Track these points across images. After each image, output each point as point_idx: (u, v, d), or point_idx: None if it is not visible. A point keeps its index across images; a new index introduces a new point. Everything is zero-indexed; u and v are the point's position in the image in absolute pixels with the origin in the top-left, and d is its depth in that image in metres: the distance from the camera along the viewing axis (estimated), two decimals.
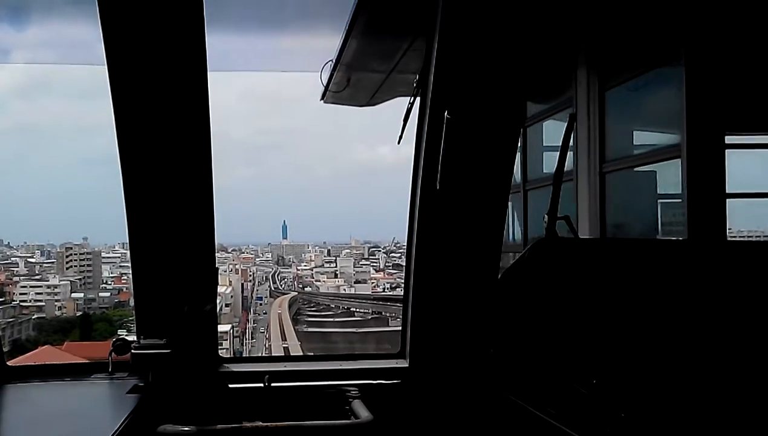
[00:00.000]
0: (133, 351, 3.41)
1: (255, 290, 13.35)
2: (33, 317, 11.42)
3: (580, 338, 3.26)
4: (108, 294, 12.26)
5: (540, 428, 3.10)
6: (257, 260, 14.01)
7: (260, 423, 3.34)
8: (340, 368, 3.86)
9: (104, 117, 3.25)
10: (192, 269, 3.54)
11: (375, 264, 12.30)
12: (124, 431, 2.76)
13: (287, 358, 5.60)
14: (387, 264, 12.05)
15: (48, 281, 11.82)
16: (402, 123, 3.54)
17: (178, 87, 3.24)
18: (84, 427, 2.90)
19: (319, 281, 13.18)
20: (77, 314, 11.68)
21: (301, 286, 13.52)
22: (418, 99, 3.51)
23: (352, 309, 12.30)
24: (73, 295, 11.97)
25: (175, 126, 3.31)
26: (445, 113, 3.36)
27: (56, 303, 11.77)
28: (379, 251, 12.28)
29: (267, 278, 13.93)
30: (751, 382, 2.88)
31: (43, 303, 11.56)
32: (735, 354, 2.94)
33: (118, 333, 10.48)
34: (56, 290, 11.80)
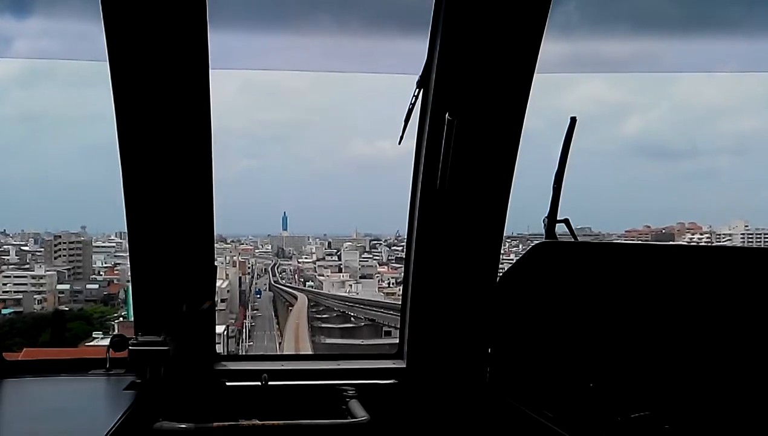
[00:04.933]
0: (130, 348, 3.51)
1: (254, 283, 13.22)
2: (3, 313, 10.77)
3: (578, 341, 3.44)
4: (96, 286, 11.71)
5: (536, 430, 3.26)
6: (256, 251, 13.80)
7: (257, 421, 3.47)
8: (337, 367, 4.01)
9: (107, 107, 3.37)
10: (191, 266, 3.68)
11: (378, 257, 12.13)
12: (121, 427, 2.86)
13: (285, 357, 5.76)
14: (390, 258, 11.84)
15: (33, 270, 11.34)
16: (403, 122, 3.64)
17: (179, 80, 3.35)
18: (81, 423, 3.00)
19: (323, 275, 12.78)
20: (57, 308, 11.07)
21: (302, 280, 13.19)
22: (419, 99, 3.60)
23: (378, 321, 11.23)
24: (59, 286, 11.44)
25: (176, 120, 3.43)
26: (446, 115, 3.49)
27: (36, 296, 11.18)
28: (381, 244, 12.11)
29: (266, 271, 13.71)
30: (746, 387, 3.06)
31: (20, 296, 10.78)
32: (732, 359, 3.12)
33: (93, 336, 9.86)
34: (41, 281, 11.21)
